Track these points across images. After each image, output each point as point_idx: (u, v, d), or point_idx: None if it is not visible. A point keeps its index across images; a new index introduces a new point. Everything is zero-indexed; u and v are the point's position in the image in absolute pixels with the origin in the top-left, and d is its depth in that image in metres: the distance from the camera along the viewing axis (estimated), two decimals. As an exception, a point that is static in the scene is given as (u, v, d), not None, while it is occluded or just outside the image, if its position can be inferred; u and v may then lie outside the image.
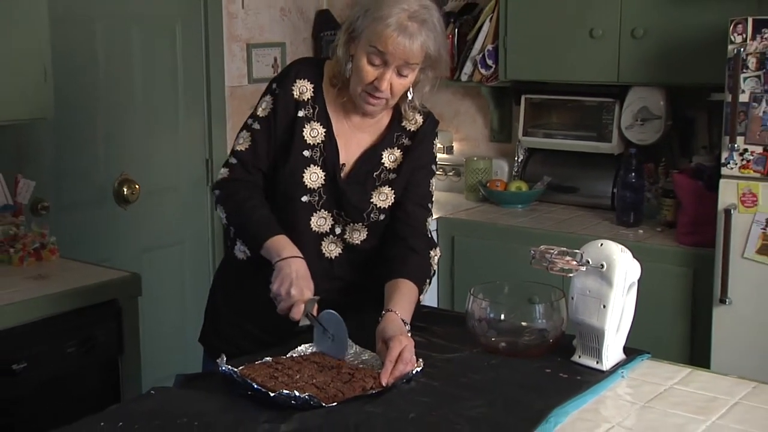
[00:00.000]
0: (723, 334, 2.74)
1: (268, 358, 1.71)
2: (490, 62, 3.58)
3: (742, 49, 2.59)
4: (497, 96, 3.77)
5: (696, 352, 2.86)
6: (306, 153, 1.94)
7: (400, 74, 1.86)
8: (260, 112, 1.97)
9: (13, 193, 2.90)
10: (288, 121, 1.95)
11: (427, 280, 1.96)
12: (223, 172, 1.98)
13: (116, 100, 3.38)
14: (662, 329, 2.89)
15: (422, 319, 1.98)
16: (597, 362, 1.71)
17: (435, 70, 1.95)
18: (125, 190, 3.42)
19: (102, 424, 1.48)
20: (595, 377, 1.67)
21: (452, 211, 3.53)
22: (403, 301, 1.84)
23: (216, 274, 2.18)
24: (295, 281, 1.77)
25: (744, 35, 2.59)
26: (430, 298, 3.37)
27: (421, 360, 1.68)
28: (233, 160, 1.97)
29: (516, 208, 3.55)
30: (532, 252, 1.76)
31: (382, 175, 1.99)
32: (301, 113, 1.95)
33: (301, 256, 1.83)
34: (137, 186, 3.45)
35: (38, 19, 2.70)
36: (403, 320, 1.79)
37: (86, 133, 3.31)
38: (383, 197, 1.98)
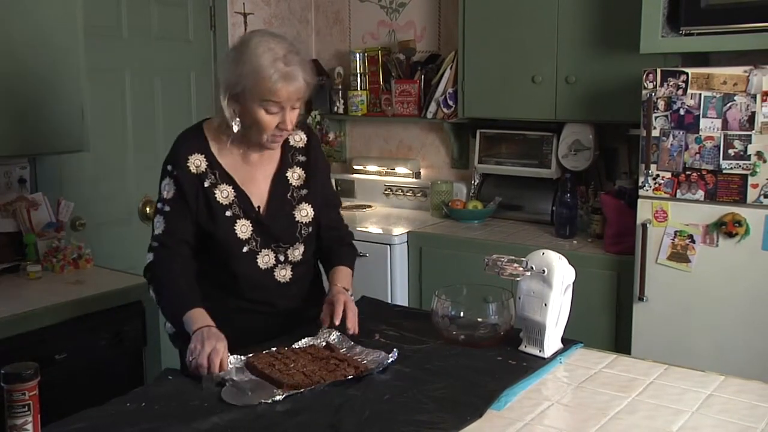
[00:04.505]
0: (641, 325, 2.75)
1: (273, 348, 1.70)
2: (450, 103, 3.59)
3: (653, 94, 2.62)
4: (457, 130, 3.78)
5: (620, 341, 2.87)
6: (228, 213, 1.83)
7: (293, 108, 1.78)
8: (166, 195, 1.83)
9: (56, 213, 2.87)
10: (198, 194, 1.82)
11: (355, 261, 2.02)
12: (149, 256, 1.82)
13: (141, 135, 3.37)
14: (592, 323, 2.90)
15: (395, 316, 1.98)
16: (539, 351, 1.72)
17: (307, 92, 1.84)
18: (148, 209, 3.40)
19: (128, 404, 1.47)
20: (538, 363, 1.68)
21: (420, 226, 3.53)
22: (343, 279, 1.91)
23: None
24: (206, 341, 1.59)
25: (654, 83, 2.62)
26: (402, 299, 3.37)
27: (395, 350, 1.68)
28: (155, 244, 1.82)
29: (473, 224, 3.55)
30: (485, 260, 1.77)
31: (295, 194, 1.92)
32: (206, 183, 1.82)
33: (212, 324, 1.67)
34: (159, 206, 3.43)
35: (76, 69, 2.68)
36: (345, 288, 1.87)
37: (116, 162, 3.29)
38: (304, 213, 1.92)
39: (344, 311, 1.78)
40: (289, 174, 1.93)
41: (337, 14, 4.20)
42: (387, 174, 4.11)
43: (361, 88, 3.99)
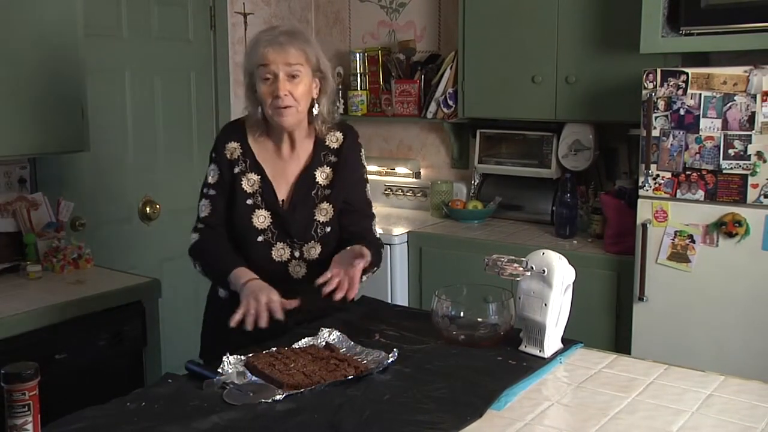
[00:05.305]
0: (641, 325, 2.75)
1: (273, 348, 1.70)
2: (450, 102, 3.59)
3: (653, 94, 2.62)
4: (457, 130, 3.78)
5: (620, 341, 2.87)
6: (249, 201, 1.91)
7: (292, 77, 1.82)
8: (211, 180, 1.94)
9: (56, 213, 2.87)
10: (230, 179, 1.92)
11: (379, 260, 1.93)
12: (194, 236, 1.94)
13: (141, 135, 3.37)
14: (592, 323, 2.90)
15: (395, 316, 1.98)
16: (539, 351, 1.71)
17: (325, 82, 1.91)
18: (148, 209, 3.40)
19: (128, 404, 1.47)
20: (538, 363, 1.67)
21: (420, 226, 3.53)
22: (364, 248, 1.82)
23: (206, 312, 2.10)
24: (257, 293, 1.71)
25: (654, 83, 2.62)
26: (402, 299, 3.37)
27: (395, 350, 1.68)
28: (201, 225, 1.94)
29: (473, 224, 3.55)
30: (485, 260, 1.76)
31: (319, 193, 1.94)
32: (236, 169, 1.92)
33: (257, 277, 1.79)
34: (158, 206, 3.42)
35: (76, 69, 2.69)
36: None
37: (116, 162, 3.29)
38: (324, 212, 1.94)
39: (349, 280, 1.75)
40: (317, 172, 1.96)
41: (337, 14, 4.21)
42: (387, 174, 4.11)
43: (361, 88, 3.99)
